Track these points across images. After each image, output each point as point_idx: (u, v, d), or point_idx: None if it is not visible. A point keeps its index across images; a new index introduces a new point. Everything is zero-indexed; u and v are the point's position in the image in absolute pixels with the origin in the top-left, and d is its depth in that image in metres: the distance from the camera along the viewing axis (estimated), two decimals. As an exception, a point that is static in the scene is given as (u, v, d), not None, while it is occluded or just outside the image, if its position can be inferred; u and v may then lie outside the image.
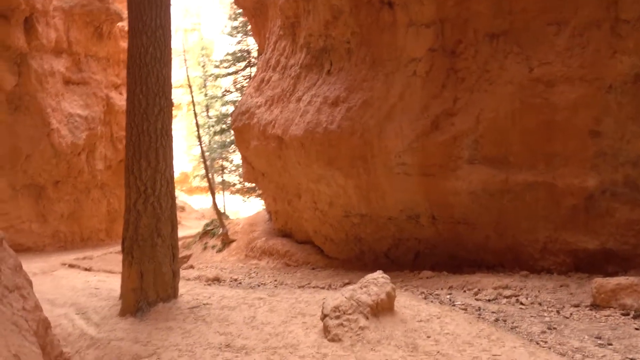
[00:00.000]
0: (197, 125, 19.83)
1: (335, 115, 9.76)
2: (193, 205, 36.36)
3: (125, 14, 20.57)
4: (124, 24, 20.92)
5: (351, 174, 9.92)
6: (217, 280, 11.28)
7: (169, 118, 7.34)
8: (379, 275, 5.46)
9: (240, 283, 11.07)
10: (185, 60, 21.44)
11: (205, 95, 38.83)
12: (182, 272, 13.68)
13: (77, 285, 9.87)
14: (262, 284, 10.81)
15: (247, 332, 5.53)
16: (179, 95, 49.65)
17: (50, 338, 3.58)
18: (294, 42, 11.96)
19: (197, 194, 46.55)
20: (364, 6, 9.47)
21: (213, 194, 19.26)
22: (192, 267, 14.91)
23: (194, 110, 19.88)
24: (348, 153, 9.72)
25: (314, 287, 9.51)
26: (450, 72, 8.66)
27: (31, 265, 12.71)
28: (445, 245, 9.65)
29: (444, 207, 9.17)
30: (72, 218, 18.02)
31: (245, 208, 36.23)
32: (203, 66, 38.81)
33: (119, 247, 20.33)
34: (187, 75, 21.22)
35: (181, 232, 24.62)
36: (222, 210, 33.99)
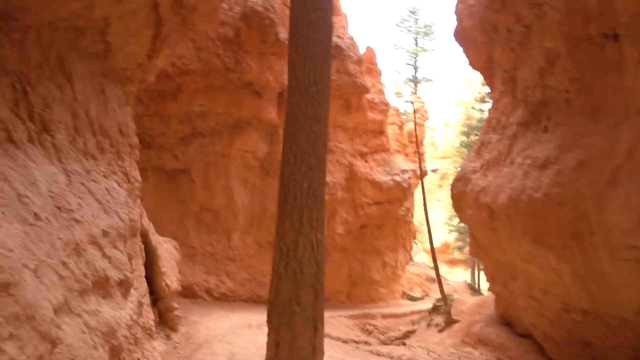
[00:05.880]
0: (424, 196, 18.98)
1: (543, 179, 7.83)
2: (448, 277, 34.71)
3: (372, 87, 21.65)
4: (373, 97, 21.98)
5: (564, 256, 7.69)
6: (409, 363, 10.07)
7: (319, 178, 6.85)
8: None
9: (432, 372, 9.59)
10: (417, 124, 21.09)
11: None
12: (389, 348, 12.71)
13: (267, 344, 9.89)
14: (454, 378, 9.13)
15: None
16: (445, 165, 49.65)
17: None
18: (514, 97, 10.39)
19: (459, 266, 44.59)
20: (582, 44, 7.55)
21: (436, 267, 17.90)
22: (403, 344, 13.79)
23: (422, 182, 19.16)
24: (558, 228, 7.59)
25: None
26: None
27: (252, 318, 13.59)
28: None
29: (703, 314, 6.21)
30: (312, 278, 18.95)
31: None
32: (467, 136, 37.98)
33: (356, 311, 20.15)
34: (417, 143, 20.79)
35: (424, 305, 23.50)
36: (475, 287, 31.68)
